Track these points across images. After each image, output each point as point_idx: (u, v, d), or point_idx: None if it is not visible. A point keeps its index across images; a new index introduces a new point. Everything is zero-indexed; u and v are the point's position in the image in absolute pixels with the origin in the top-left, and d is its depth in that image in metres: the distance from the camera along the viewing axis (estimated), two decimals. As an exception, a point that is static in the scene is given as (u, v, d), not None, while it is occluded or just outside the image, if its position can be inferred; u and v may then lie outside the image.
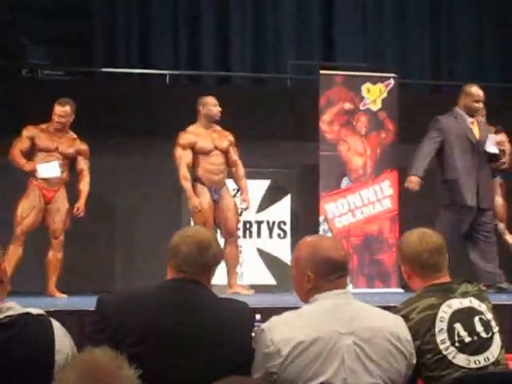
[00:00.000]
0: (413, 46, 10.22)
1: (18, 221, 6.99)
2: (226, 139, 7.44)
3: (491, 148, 7.16)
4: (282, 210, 8.28)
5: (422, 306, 3.05)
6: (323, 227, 7.84)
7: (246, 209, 7.56)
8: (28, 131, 7.13)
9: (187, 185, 7.22)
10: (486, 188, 7.22)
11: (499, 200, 7.90)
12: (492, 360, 2.99)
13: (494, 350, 3.02)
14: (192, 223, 7.32)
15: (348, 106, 8.05)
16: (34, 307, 2.62)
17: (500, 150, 7.19)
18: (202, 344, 2.72)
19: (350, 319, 2.76)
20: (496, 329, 3.08)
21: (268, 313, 3.15)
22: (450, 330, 3.00)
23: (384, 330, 2.79)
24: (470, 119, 7.20)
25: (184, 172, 7.23)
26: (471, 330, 3.02)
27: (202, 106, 7.39)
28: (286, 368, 2.67)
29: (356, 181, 7.99)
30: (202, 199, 7.23)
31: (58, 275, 7.13)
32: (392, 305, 3.38)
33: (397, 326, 2.88)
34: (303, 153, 8.42)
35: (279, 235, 8.27)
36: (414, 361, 2.87)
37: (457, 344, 2.98)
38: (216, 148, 7.37)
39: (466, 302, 3.08)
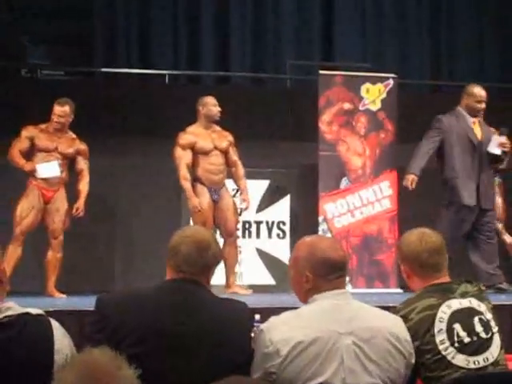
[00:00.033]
0: (412, 47, 10.21)
1: (18, 221, 6.99)
2: (225, 139, 7.45)
3: (494, 149, 7.15)
4: (282, 210, 8.28)
5: (421, 307, 3.05)
6: (322, 227, 7.84)
7: (246, 209, 7.56)
8: (27, 131, 7.13)
9: (187, 185, 7.22)
10: (487, 188, 7.21)
11: (498, 200, 7.89)
12: (491, 360, 2.99)
13: (494, 351, 3.02)
14: (191, 223, 7.32)
15: (347, 106, 8.05)
16: (34, 307, 2.62)
17: (503, 151, 7.18)
18: (201, 344, 2.73)
19: (349, 319, 2.76)
20: (495, 329, 3.08)
21: (267, 313, 3.15)
22: (450, 331, 3.00)
23: (383, 330, 2.79)
24: (471, 119, 7.20)
25: (184, 172, 7.23)
26: (470, 331, 3.01)
27: (201, 106, 7.39)
28: (285, 368, 2.67)
29: (355, 181, 7.99)
30: (201, 199, 7.23)
31: (58, 275, 7.13)
32: (391, 305, 3.39)
33: (396, 326, 2.88)
34: (302, 153, 8.42)
35: (278, 235, 8.27)
36: (413, 360, 2.88)
37: (456, 344, 2.98)
38: (216, 148, 7.37)
39: (465, 303, 3.08)
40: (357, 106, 8.06)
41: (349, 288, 7.13)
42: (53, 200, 7.09)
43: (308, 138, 8.18)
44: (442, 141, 7.16)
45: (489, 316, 3.09)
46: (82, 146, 7.29)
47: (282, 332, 2.71)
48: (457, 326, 3.01)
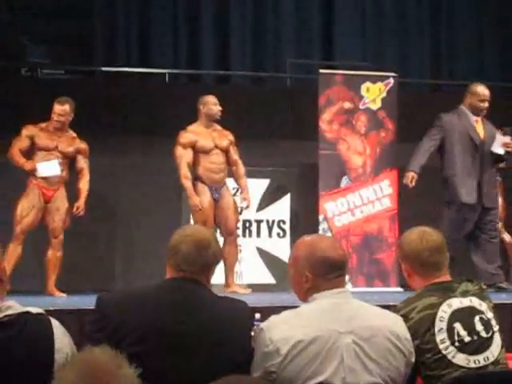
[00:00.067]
0: (412, 46, 10.21)
1: (18, 220, 6.99)
2: (226, 138, 7.45)
3: (498, 149, 7.15)
4: (282, 209, 8.28)
5: (421, 306, 3.05)
6: (323, 226, 7.84)
7: (247, 207, 7.57)
8: (27, 130, 7.13)
9: (188, 184, 7.22)
10: (490, 187, 7.20)
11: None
12: (492, 360, 2.99)
13: (494, 350, 3.02)
14: (192, 222, 7.32)
15: (347, 105, 8.05)
16: (34, 306, 2.62)
17: (506, 151, 7.18)
18: (201, 343, 2.73)
19: (349, 318, 2.76)
20: (496, 328, 3.07)
21: (267, 312, 3.15)
22: (450, 330, 3.00)
23: (384, 329, 2.79)
24: (474, 118, 7.20)
25: (184, 171, 7.23)
26: (471, 330, 3.01)
27: (202, 105, 7.39)
28: (285, 367, 2.67)
29: (355, 180, 7.98)
30: (202, 198, 7.23)
31: (58, 274, 7.13)
32: (391, 304, 3.38)
33: (396, 324, 2.88)
34: (303, 152, 8.42)
35: (279, 234, 8.27)
36: (413, 359, 2.88)
37: (456, 344, 2.98)
38: (216, 147, 7.37)
39: (466, 302, 3.08)
40: (357, 105, 8.05)
41: (349, 287, 7.13)
42: (53, 199, 7.09)
43: (308, 137, 8.17)
44: (443, 139, 7.16)
45: (489, 315, 3.09)
46: (82, 145, 7.28)
47: (281, 331, 2.71)
48: (457, 325, 3.01)
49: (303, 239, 2.99)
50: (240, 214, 7.65)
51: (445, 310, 3.04)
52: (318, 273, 2.85)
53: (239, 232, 7.87)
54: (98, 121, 8.11)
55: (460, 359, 2.96)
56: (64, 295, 7.02)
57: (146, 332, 2.69)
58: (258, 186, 8.10)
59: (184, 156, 7.24)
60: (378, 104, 8.09)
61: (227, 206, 7.38)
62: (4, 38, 9.06)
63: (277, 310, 2.96)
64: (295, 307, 2.86)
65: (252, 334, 2.87)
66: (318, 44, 10.02)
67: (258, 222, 8.23)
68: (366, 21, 10.13)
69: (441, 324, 3.01)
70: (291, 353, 2.67)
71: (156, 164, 8.14)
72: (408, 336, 2.88)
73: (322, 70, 8.26)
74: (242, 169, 7.50)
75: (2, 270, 2.68)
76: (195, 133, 7.35)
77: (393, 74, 8.28)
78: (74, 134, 7.28)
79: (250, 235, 8.22)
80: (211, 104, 7.37)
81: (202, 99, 7.39)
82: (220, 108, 7.38)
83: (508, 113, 7.95)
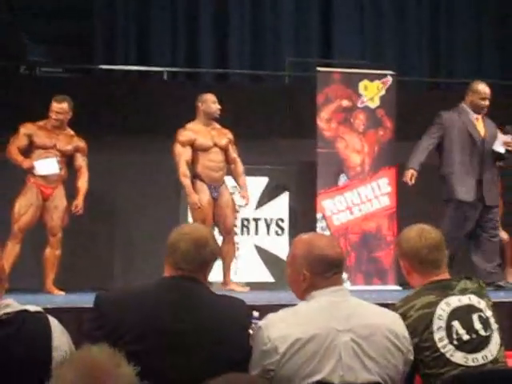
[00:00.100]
0: (411, 44, 10.20)
1: (16, 218, 6.98)
2: (225, 137, 7.45)
3: (499, 147, 7.15)
4: (280, 207, 8.28)
5: (420, 304, 3.05)
6: (321, 224, 7.84)
7: (246, 205, 7.57)
8: (25, 128, 7.12)
9: (186, 181, 7.22)
10: (491, 185, 7.20)
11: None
12: (490, 358, 2.99)
13: (493, 348, 3.02)
14: (191, 220, 7.33)
15: (346, 103, 8.04)
16: (32, 304, 2.62)
17: (507, 150, 7.18)
18: (199, 341, 2.73)
19: (347, 316, 2.76)
20: (495, 326, 3.07)
21: (265, 310, 3.15)
22: (448, 328, 3.00)
23: (382, 327, 2.79)
24: (475, 115, 7.20)
25: (183, 169, 7.22)
26: (469, 328, 3.01)
27: (201, 103, 7.39)
28: (284, 365, 2.67)
29: (354, 178, 7.98)
30: (201, 196, 7.23)
31: (56, 273, 7.12)
32: (390, 302, 3.39)
33: (395, 323, 2.88)
34: (301, 150, 8.41)
35: (277, 232, 8.27)
36: (412, 357, 2.88)
37: (455, 342, 2.98)
38: (215, 145, 7.37)
39: (465, 300, 3.08)
40: (355, 103, 8.05)
41: (347, 285, 7.13)
42: (51, 197, 7.08)
43: (306, 135, 8.17)
44: (443, 136, 7.17)
45: (488, 313, 3.09)
46: (81, 143, 7.28)
47: (279, 329, 2.71)
48: (456, 324, 3.01)
49: (301, 237, 2.99)
50: (237, 212, 7.65)
51: (443, 309, 3.04)
52: (316, 271, 2.85)
53: (237, 230, 7.88)
54: (96, 119, 8.10)
55: (458, 357, 2.96)
56: (62, 293, 7.01)
57: (145, 330, 2.69)
58: (256, 184, 8.10)
59: (183, 154, 7.23)
60: (377, 102, 8.08)
61: (226, 205, 7.38)
62: (4, 38, 9.06)
63: (275, 308, 2.96)
64: (293, 305, 2.86)
65: (250, 332, 2.87)
66: (316, 43, 10.01)
67: (257, 220, 8.23)
68: (365, 18, 10.13)
69: (439, 322, 3.01)
70: (289, 351, 2.67)
71: (154, 162, 8.14)
72: (406, 334, 2.88)
73: (320, 68, 8.25)
74: (240, 167, 7.50)
75: (0, 268, 2.68)
76: (194, 131, 7.35)
77: (391, 72, 8.27)
78: (72, 132, 7.27)
79: (249, 233, 8.21)
80: (210, 102, 7.37)
81: (201, 97, 7.39)
82: (219, 106, 7.38)
83: (509, 111, 7.94)
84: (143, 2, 9.56)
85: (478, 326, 3.03)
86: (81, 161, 7.28)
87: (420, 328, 3.00)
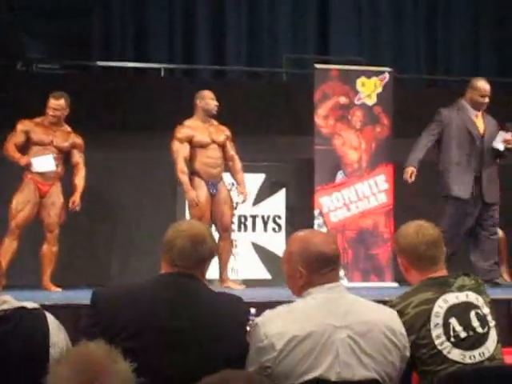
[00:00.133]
0: (409, 46, 10.21)
1: (13, 214, 6.97)
2: (222, 133, 7.45)
3: (499, 145, 7.15)
4: (277, 204, 8.28)
5: (417, 301, 3.05)
6: (318, 221, 7.83)
7: (244, 202, 7.57)
8: (23, 125, 7.12)
9: (184, 178, 7.22)
10: (491, 182, 7.18)
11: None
12: (487, 355, 2.99)
13: (490, 345, 3.02)
14: (189, 217, 7.32)
15: (343, 100, 8.04)
16: (29, 301, 2.62)
17: (506, 147, 7.17)
18: (197, 338, 2.73)
19: (344, 313, 2.76)
20: (492, 323, 3.07)
21: (263, 307, 3.15)
22: (446, 325, 3.00)
23: (380, 324, 2.79)
24: (474, 112, 7.19)
25: (181, 165, 7.22)
26: (467, 325, 3.01)
27: (199, 100, 7.39)
28: (281, 362, 2.67)
29: (351, 175, 7.98)
30: (199, 192, 7.23)
31: (53, 269, 7.12)
32: (387, 299, 3.38)
33: (392, 319, 2.88)
34: (298, 147, 8.41)
35: (274, 229, 8.27)
36: (408, 354, 2.88)
37: (452, 339, 2.98)
38: (213, 142, 7.37)
39: (462, 297, 3.08)
40: (352, 100, 8.04)
41: (344, 282, 7.12)
42: (48, 194, 7.08)
43: (304, 132, 8.17)
44: (441, 133, 7.16)
45: (486, 310, 3.08)
46: (78, 140, 7.27)
47: (276, 326, 2.71)
48: (453, 321, 3.01)
49: (296, 235, 2.99)
50: (235, 208, 7.65)
51: (441, 306, 3.03)
52: (312, 268, 2.85)
53: (234, 227, 7.87)
54: (93, 115, 8.10)
55: (455, 355, 2.97)
56: (59, 290, 7.01)
57: (141, 327, 2.69)
58: (253, 181, 8.10)
59: (181, 150, 7.23)
60: (374, 99, 8.08)
61: (224, 201, 7.37)
62: (4, 38, 9.04)
63: (272, 305, 2.96)
64: (290, 302, 2.85)
65: (247, 328, 2.87)
66: (313, 42, 10.02)
67: (254, 216, 8.23)
68: (362, 20, 10.13)
69: (436, 319, 3.01)
70: (286, 348, 2.67)
71: (152, 159, 8.13)
72: (403, 331, 2.88)
73: (317, 65, 8.24)
74: (238, 164, 7.50)
75: (-3, 265, 2.68)
76: (192, 127, 7.35)
77: (388, 69, 8.27)
78: (70, 129, 7.27)
79: (246, 230, 8.21)
80: (208, 99, 7.37)
81: (199, 94, 7.39)
82: (217, 103, 7.38)
83: (508, 108, 7.94)
84: (141, 1, 9.55)
85: (475, 323, 3.03)
86: (78, 157, 7.27)
87: (417, 325, 3.00)
